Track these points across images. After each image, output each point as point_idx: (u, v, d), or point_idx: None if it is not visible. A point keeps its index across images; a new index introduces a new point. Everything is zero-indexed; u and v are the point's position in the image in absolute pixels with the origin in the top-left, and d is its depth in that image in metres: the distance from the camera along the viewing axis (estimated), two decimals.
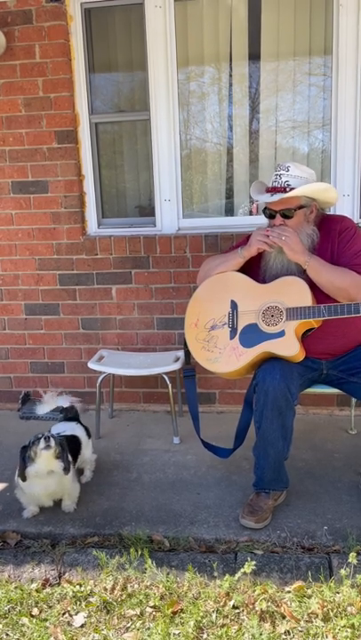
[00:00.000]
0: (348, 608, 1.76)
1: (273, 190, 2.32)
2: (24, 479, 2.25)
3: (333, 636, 1.67)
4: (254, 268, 2.41)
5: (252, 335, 2.28)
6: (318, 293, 2.24)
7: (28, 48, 3.15)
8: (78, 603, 1.87)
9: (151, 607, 1.82)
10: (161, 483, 2.60)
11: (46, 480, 2.25)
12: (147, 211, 3.46)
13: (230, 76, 3.27)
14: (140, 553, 2.02)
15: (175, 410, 3.03)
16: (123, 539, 2.19)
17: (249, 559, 1.92)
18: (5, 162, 3.31)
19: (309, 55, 3.16)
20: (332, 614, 1.75)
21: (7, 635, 1.76)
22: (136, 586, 1.92)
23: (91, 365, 3.02)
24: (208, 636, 1.71)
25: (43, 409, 2.65)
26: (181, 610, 1.80)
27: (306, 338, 2.26)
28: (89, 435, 2.64)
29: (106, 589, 1.91)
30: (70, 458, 2.33)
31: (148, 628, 1.74)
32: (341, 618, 1.72)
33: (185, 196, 3.39)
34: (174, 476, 2.65)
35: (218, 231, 3.23)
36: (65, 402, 2.68)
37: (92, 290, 3.38)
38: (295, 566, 1.97)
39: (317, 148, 3.30)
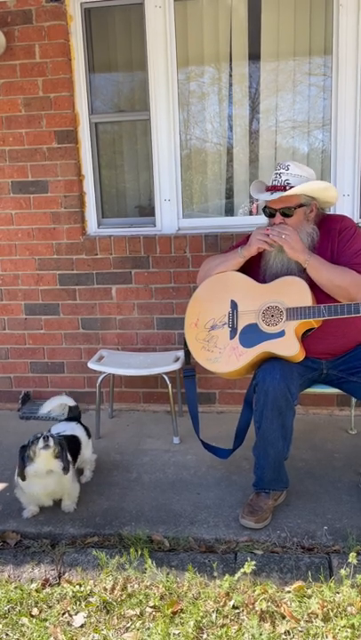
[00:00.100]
0: (349, 608, 1.76)
1: (273, 189, 2.32)
2: (23, 478, 2.25)
3: (333, 636, 1.67)
4: (254, 268, 2.41)
5: (252, 335, 2.28)
6: (318, 292, 2.24)
7: (27, 48, 3.15)
8: (78, 603, 1.87)
9: (151, 607, 1.82)
10: (161, 483, 2.60)
11: (45, 480, 2.25)
12: (147, 211, 3.46)
13: (230, 75, 3.27)
14: (139, 553, 2.02)
15: (175, 410, 3.03)
16: (123, 539, 2.19)
17: (249, 559, 1.92)
18: (5, 162, 3.31)
19: (309, 55, 3.16)
20: (332, 614, 1.75)
21: (7, 635, 1.76)
22: (136, 586, 1.92)
23: (91, 365, 3.02)
24: (208, 636, 1.71)
25: (47, 407, 2.63)
26: (181, 610, 1.80)
27: (306, 338, 2.26)
28: (89, 435, 2.64)
29: (106, 589, 1.91)
30: (70, 458, 2.33)
31: (148, 628, 1.74)
32: (341, 618, 1.72)
33: (185, 195, 3.39)
34: (174, 476, 2.65)
35: (218, 231, 3.23)
36: (70, 400, 2.67)
37: (91, 290, 3.38)
38: (295, 566, 1.97)
39: (317, 147, 3.30)
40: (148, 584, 1.92)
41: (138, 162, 3.43)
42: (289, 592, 1.85)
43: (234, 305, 2.37)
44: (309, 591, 1.85)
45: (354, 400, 2.95)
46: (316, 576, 1.92)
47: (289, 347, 2.20)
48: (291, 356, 2.20)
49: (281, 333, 2.22)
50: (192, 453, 2.85)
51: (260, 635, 1.68)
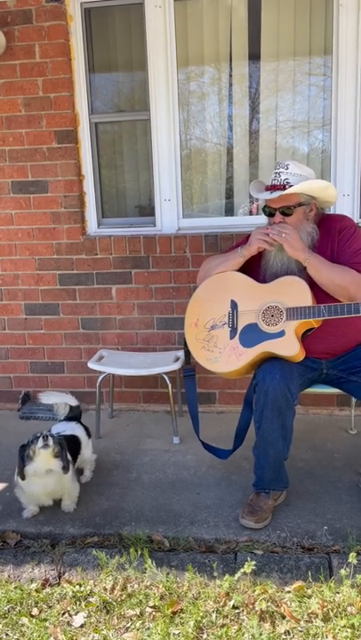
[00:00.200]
0: (349, 608, 1.76)
1: (272, 188, 2.32)
2: (23, 478, 2.25)
3: (333, 636, 1.67)
4: (254, 268, 2.40)
5: (252, 335, 2.28)
6: (318, 291, 2.24)
7: (27, 48, 3.15)
8: (78, 603, 1.87)
9: (151, 607, 1.82)
10: (161, 483, 2.60)
11: (45, 479, 2.25)
12: (147, 210, 3.46)
13: (230, 75, 3.27)
14: (139, 553, 2.02)
15: (175, 410, 3.03)
16: (123, 539, 2.19)
17: (249, 559, 1.92)
18: (5, 162, 3.31)
19: (309, 55, 3.16)
20: (332, 614, 1.74)
21: (7, 635, 1.75)
22: (136, 586, 1.92)
23: (91, 365, 3.02)
24: (208, 635, 1.71)
25: (47, 400, 2.62)
26: (181, 610, 1.80)
27: (306, 338, 2.26)
28: (89, 434, 2.64)
29: (106, 589, 1.91)
30: (70, 457, 2.32)
31: (148, 628, 1.74)
32: (341, 618, 1.72)
33: (185, 195, 3.39)
34: (174, 476, 2.65)
35: (218, 231, 3.23)
36: (72, 399, 2.67)
37: (91, 290, 3.38)
38: (295, 566, 1.97)
39: (317, 147, 3.30)
40: (148, 584, 1.92)
41: (138, 162, 3.43)
42: (289, 592, 1.85)
43: (234, 305, 2.36)
44: (309, 591, 1.85)
45: (354, 400, 2.95)
46: (316, 576, 1.92)
47: (289, 346, 2.20)
48: (291, 356, 2.20)
49: (281, 333, 2.22)
50: (192, 453, 2.85)
51: (260, 635, 1.67)
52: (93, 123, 3.32)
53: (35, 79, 3.19)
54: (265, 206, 2.37)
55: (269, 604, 1.79)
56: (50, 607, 1.86)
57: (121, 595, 1.88)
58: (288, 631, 1.70)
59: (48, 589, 1.94)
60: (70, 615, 1.82)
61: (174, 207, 3.34)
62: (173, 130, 3.24)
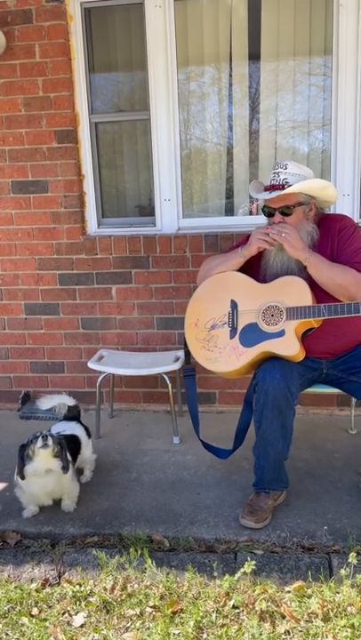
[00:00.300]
0: (349, 608, 1.76)
1: (271, 188, 2.32)
2: (22, 477, 2.25)
3: (333, 636, 1.67)
4: (254, 268, 2.40)
5: (252, 335, 2.28)
6: (318, 291, 2.24)
7: (27, 48, 3.15)
8: (78, 602, 1.87)
9: (151, 607, 1.82)
10: (161, 483, 2.60)
11: (45, 479, 2.25)
12: (147, 210, 3.46)
13: (230, 75, 3.27)
14: (139, 553, 2.02)
15: (175, 410, 3.03)
16: (123, 538, 2.19)
17: (249, 559, 1.92)
18: (5, 161, 3.31)
19: (309, 55, 3.16)
20: (332, 614, 1.74)
21: (7, 634, 1.75)
22: (136, 586, 1.92)
23: (91, 365, 3.02)
24: (208, 635, 1.71)
25: (45, 404, 2.63)
26: (181, 610, 1.80)
27: (306, 337, 2.26)
28: (89, 434, 2.64)
29: (106, 589, 1.91)
30: (70, 457, 2.32)
31: (148, 628, 1.74)
32: (341, 618, 1.72)
33: (185, 195, 3.38)
34: (174, 476, 2.65)
35: (218, 231, 3.23)
36: (69, 400, 2.67)
37: (91, 290, 3.38)
38: (295, 566, 1.97)
39: (317, 147, 3.30)
40: (148, 584, 1.92)
41: (138, 162, 3.43)
42: (289, 592, 1.85)
43: (234, 305, 2.36)
44: (309, 591, 1.85)
45: (354, 400, 2.95)
46: (316, 576, 1.92)
47: (289, 346, 2.20)
48: (291, 356, 2.20)
49: (281, 333, 2.22)
50: (192, 453, 2.85)
51: (260, 634, 1.67)
52: (93, 122, 3.32)
53: (35, 79, 3.19)
54: (264, 206, 2.37)
55: (269, 603, 1.79)
56: (50, 607, 1.86)
57: (121, 594, 1.88)
58: (288, 631, 1.70)
59: (48, 589, 1.94)
60: (70, 615, 1.82)
61: (174, 207, 3.34)
62: (173, 130, 3.24)
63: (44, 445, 2.20)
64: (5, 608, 1.86)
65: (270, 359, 2.24)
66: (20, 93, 3.21)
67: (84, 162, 3.33)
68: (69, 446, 2.35)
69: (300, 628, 1.71)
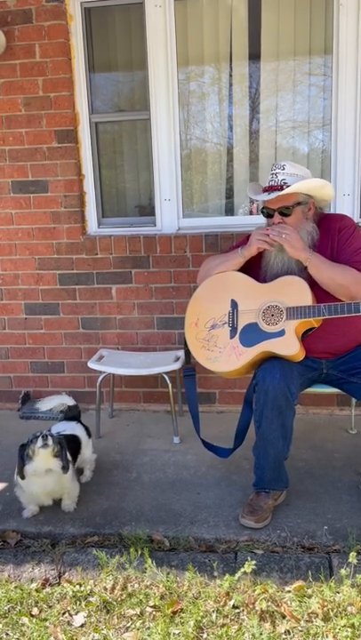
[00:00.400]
0: (349, 608, 1.76)
1: (270, 189, 2.32)
2: (22, 477, 2.25)
3: (334, 636, 1.67)
4: (255, 268, 2.40)
5: (252, 334, 2.28)
6: (318, 290, 2.24)
7: (27, 47, 3.15)
8: (78, 602, 1.87)
9: (151, 607, 1.82)
10: (161, 482, 2.60)
11: (44, 479, 2.25)
12: (147, 210, 3.46)
13: (230, 75, 3.27)
14: (140, 553, 2.02)
15: (175, 409, 3.03)
16: (123, 538, 2.19)
17: (249, 559, 1.92)
18: (5, 161, 3.31)
19: (309, 55, 3.16)
20: (332, 614, 1.74)
21: (7, 634, 1.75)
22: (136, 585, 1.92)
23: (91, 365, 3.02)
24: (208, 635, 1.71)
25: (45, 405, 2.64)
26: (181, 609, 1.80)
27: (306, 337, 2.26)
28: (89, 434, 2.64)
29: (106, 589, 1.91)
30: (70, 457, 2.32)
31: (148, 628, 1.74)
32: (342, 617, 1.72)
33: (185, 195, 3.38)
34: (174, 476, 2.65)
35: (218, 231, 3.23)
36: (69, 399, 2.67)
37: (91, 289, 3.38)
38: (295, 566, 1.97)
39: (317, 147, 3.30)
40: (149, 584, 1.92)
41: (138, 161, 3.43)
42: (289, 592, 1.85)
43: (234, 304, 2.36)
44: (310, 591, 1.85)
45: (354, 400, 2.95)
46: (317, 576, 1.92)
47: (289, 346, 2.20)
48: (291, 356, 2.20)
49: (281, 332, 2.22)
50: (192, 453, 2.85)
51: (261, 634, 1.67)
52: (93, 122, 3.32)
53: (35, 79, 3.19)
54: (263, 208, 2.37)
55: (270, 603, 1.79)
56: (50, 607, 1.86)
57: (121, 594, 1.88)
58: (288, 631, 1.70)
59: (48, 589, 1.94)
60: (70, 615, 1.82)
61: (174, 207, 3.34)
62: (173, 129, 3.24)
63: (44, 445, 2.20)
64: (5, 608, 1.86)
65: (270, 359, 2.24)
66: (20, 93, 3.21)
67: (85, 162, 3.33)
68: (69, 446, 2.35)
69: (300, 628, 1.71)
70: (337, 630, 1.68)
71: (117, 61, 3.35)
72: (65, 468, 2.25)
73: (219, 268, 2.46)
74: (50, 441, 2.21)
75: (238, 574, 1.88)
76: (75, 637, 1.73)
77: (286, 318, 2.22)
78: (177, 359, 3.00)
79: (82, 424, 2.64)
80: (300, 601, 1.81)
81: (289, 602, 1.81)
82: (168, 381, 2.95)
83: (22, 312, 3.47)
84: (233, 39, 3.20)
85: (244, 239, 2.49)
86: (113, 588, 1.90)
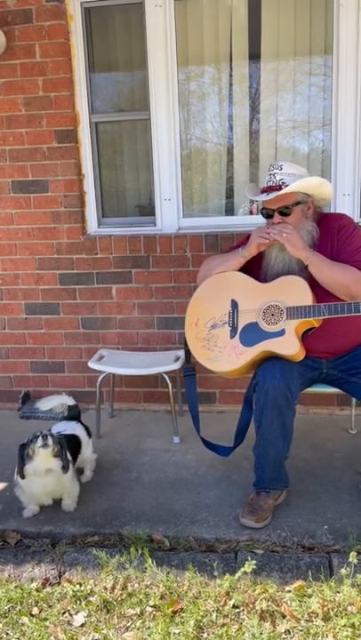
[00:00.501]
0: (349, 607, 1.76)
1: (268, 190, 2.33)
2: (23, 477, 2.25)
3: (334, 636, 1.67)
4: (255, 269, 2.40)
5: (252, 334, 2.28)
6: (318, 289, 2.24)
7: (28, 47, 3.15)
8: (78, 602, 1.87)
9: (151, 606, 1.82)
10: (161, 482, 2.60)
11: (44, 478, 2.25)
12: (147, 210, 3.46)
13: (230, 75, 3.27)
14: (140, 552, 2.02)
15: (175, 409, 3.03)
16: (123, 538, 2.19)
17: (249, 558, 1.92)
18: (5, 161, 3.31)
19: (310, 55, 3.16)
20: (332, 614, 1.74)
21: (7, 634, 1.75)
22: (136, 585, 1.92)
23: (91, 365, 3.02)
24: (208, 635, 1.71)
25: (45, 405, 2.64)
26: (181, 609, 1.80)
27: (306, 337, 2.26)
28: (89, 434, 2.64)
29: (106, 589, 1.91)
30: (70, 457, 2.32)
31: (149, 628, 1.74)
32: (342, 617, 1.72)
33: (185, 195, 3.38)
34: (174, 476, 2.65)
35: (218, 231, 3.23)
36: (69, 399, 2.67)
37: (92, 289, 3.38)
38: (295, 566, 1.97)
39: (318, 147, 3.30)
40: (149, 583, 1.92)
41: (138, 161, 3.43)
42: (289, 591, 1.85)
43: (234, 304, 2.36)
44: (310, 590, 1.85)
45: (354, 400, 2.95)
46: (317, 575, 1.92)
47: (289, 346, 2.20)
48: (291, 355, 2.20)
49: (281, 332, 2.22)
50: (192, 453, 2.85)
51: (261, 634, 1.68)
52: (93, 122, 3.32)
53: (35, 79, 3.19)
54: (263, 209, 2.38)
55: (270, 603, 1.79)
56: (50, 606, 1.86)
57: (121, 594, 1.88)
58: (288, 630, 1.70)
59: (48, 589, 1.94)
60: (71, 614, 1.82)
61: (174, 207, 3.34)
62: (174, 129, 3.24)
63: (44, 445, 2.20)
64: (6, 607, 1.86)
65: (270, 359, 2.24)
66: (21, 93, 3.21)
67: (85, 161, 3.33)
68: (70, 446, 2.35)
69: (300, 628, 1.71)
70: (337, 630, 1.68)
71: (117, 61, 3.35)
72: (65, 468, 2.25)
73: (219, 268, 2.46)
74: (50, 441, 2.21)
75: (238, 574, 1.88)
76: (75, 637, 1.73)
77: (286, 318, 2.22)
78: (177, 359, 3.00)
79: (82, 424, 2.64)
80: (300, 601, 1.81)
81: (289, 601, 1.81)
82: (168, 381, 2.95)
83: (22, 312, 3.47)
84: (233, 39, 3.20)
85: (244, 239, 2.49)
86: (113, 588, 1.90)
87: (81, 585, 1.93)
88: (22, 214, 3.36)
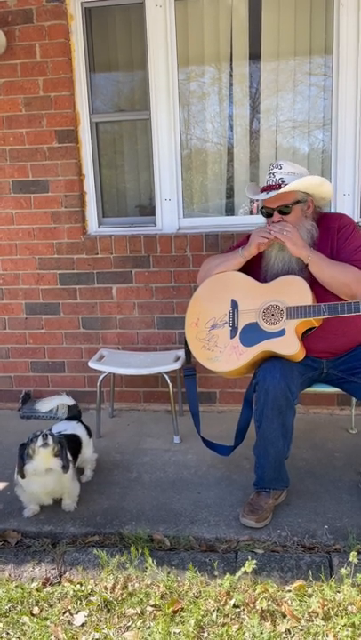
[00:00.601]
0: (349, 607, 1.76)
1: (268, 189, 2.33)
2: (23, 476, 2.25)
3: (334, 635, 1.67)
4: (255, 268, 2.41)
5: (252, 334, 2.28)
6: (318, 288, 2.24)
7: (28, 47, 3.16)
8: (79, 602, 1.87)
9: (152, 606, 1.82)
10: (161, 482, 2.60)
11: (45, 478, 2.25)
12: (147, 210, 3.46)
13: (231, 75, 3.27)
14: (140, 552, 2.02)
15: (176, 409, 3.03)
16: (123, 538, 2.19)
17: (249, 558, 1.92)
18: (6, 161, 3.31)
19: (310, 55, 3.17)
20: (332, 613, 1.75)
21: (8, 634, 1.76)
22: (137, 585, 1.92)
23: (91, 365, 3.02)
24: (209, 634, 1.71)
25: (44, 406, 2.64)
26: (182, 609, 1.80)
27: (306, 337, 2.26)
28: (90, 434, 2.64)
29: (106, 588, 1.91)
30: (70, 457, 2.32)
31: (149, 627, 1.74)
32: (342, 617, 1.72)
33: (185, 195, 3.39)
34: (175, 476, 2.65)
35: (218, 230, 3.23)
36: (69, 399, 2.68)
37: (92, 289, 3.38)
38: (296, 565, 1.97)
39: (318, 147, 3.30)
40: (149, 583, 1.92)
41: (138, 161, 3.43)
42: (290, 591, 1.85)
43: (234, 304, 2.37)
44: (310, 590, 1.85)
45: (354, 400, 2.95)
46: (317, 575, 1.92)
47: (289, 345, 2.20)
48: (291, 355, 2.20)
49: (281, 332, 2.22)
50: (192, 453, 2.85)
51: (261, 633, 1.68)
52: (94, 122, 3.32)
53: (35, 79, 3.19)
54: (262, 208, 2.38)
55: (270, 602, 1.79)
56: (51, 606, 1.87)
57: (122, 594, 1.88)
58: (289, 630, 1.70)
59: (49, 588, 1.95)
60: (71, 614, 1.83)
61: (175, 207, 3.34)
62: (174, 129, 3.24)
63: (45, 444, 2.20)
64: (6, 607, 1.86)
65: (270, 358, 2.24)
66: (21, 93, 3.21)
67: (85, 161, 3.33)
68: (70, 446, 2.35)
69: (300, 627, 1.71)
70: (337, 629, 1.68)
71: (118, 61, 3.35)
72: (65, 468, 2.25)
73: (219, 268, 2.46)
74: (50, 440, 2.21)
75: (239, 574, 1.88)
76: (75, 637, 1.73)
77: (287, 318, 2.22)
78: (177, 359, 3.01)
79: (82, 424, 2.65)
80: (300, 600, 1.81)
81: (289, 601, 1.81)
82: (168, 381, 2.95)
83: (23, 312, 3.48)
84: (233, 39, 3.20)
85: (244, 239, 2.49)
86: (114, 588, 1.91)
87: (81, 584, 1.93)
88: (23, 214, 3.36)
